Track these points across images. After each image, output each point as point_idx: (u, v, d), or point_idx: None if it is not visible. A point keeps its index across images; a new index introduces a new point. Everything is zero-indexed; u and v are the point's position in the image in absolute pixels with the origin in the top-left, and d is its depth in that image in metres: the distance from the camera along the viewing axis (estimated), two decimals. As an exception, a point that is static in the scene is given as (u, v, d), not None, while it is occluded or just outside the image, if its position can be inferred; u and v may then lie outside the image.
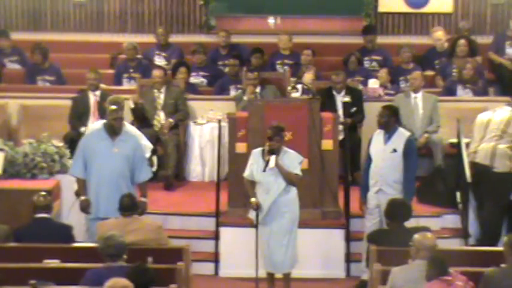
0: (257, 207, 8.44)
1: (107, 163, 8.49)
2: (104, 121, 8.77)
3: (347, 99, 10.97)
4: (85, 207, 8.53)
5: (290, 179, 8.46)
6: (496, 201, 9.26)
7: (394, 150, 8.82)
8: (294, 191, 8.54)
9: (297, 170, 8.50)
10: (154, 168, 9.18)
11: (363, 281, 8.93)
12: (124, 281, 6.21)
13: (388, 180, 8.82)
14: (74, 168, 8.68)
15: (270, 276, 8.71)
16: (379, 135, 8.95)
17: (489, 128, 9.29)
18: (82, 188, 8.58)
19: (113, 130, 8.53)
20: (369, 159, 8.97)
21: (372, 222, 8.92)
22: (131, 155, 8.56)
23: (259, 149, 8.57)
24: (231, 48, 12.84)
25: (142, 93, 11.33)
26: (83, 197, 8.54)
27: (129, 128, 8.97)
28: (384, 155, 8.84)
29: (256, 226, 8.55)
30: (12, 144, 9.91)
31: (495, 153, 9.22)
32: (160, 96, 11.26)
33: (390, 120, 8.88)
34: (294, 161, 8.50)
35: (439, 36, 12.70)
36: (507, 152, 9.21)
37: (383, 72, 11.90)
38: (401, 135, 8.90)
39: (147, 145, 9.14)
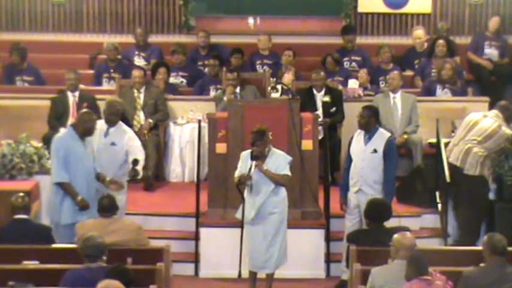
0: (248, 179, 8.37)
1: (84, 165, 8.52)
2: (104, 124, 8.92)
3: (326, 99, 11.00)
4: (86, 205, 8.43)
5: (277, 182, 8.47)
6: (471, 202, 9.26)
7: (375, 151, 8.84)
8: (283, 192, 8.57)
9: (285, 171, 8.50)
10: (140, 177, 9.18)
11: (342, 281, 8.95)
12: (117, 283, 6.18)
13: (368, 181, 8.84)
14: (60, 173, 8.51)
15: (253, 276, 8.71)
16: (359, 136, 8.97)
17: (473, 131, 9.24)
18: (73, 189, 8.45)
19: (90, 133, 8.57)
20: (349, 159, 8.99)
21: (351, 222, 8.94)
22: (93, 154, 8.68)
23: (248, 151, 8.57)
24: (210, 48, 12.83)
25: (121, 94, 11.29)
26: (79, 197, 8.44)
27: (125, 127, 9.16)
28: (364, 155, 8.86)
29: (241, 225, 8.57)
30: (-10, 145, 9.85)
31: (468, 156, 9.21)
32: (140, 97, 11.24)
33: (370, 120, 8.90)
34: (281, 162, 8.51)
35: (419, 35, 12.74)
36: (480, 156, 9.18)
37: (363, 73, 11.92)
38: (382, 135, 8.93)
39: (138, 146, 9.12)
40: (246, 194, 8.54)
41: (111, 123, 9.10)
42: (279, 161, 8.51)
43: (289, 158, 8.63)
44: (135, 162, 8.81)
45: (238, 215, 8.65)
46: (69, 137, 8.58)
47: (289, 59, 12.22)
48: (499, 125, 9.19)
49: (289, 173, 8.55)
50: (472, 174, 9.18)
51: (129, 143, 9.02)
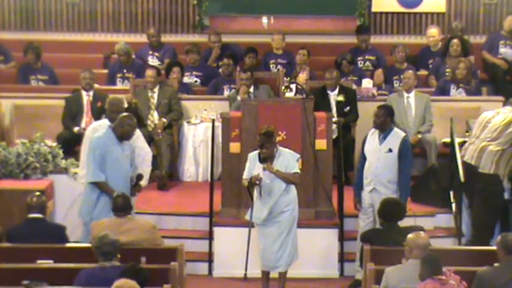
0: (258, 180, 8.38)
1: (121, 167, 8.57)
2: (107, 124, 8.80)
3: (340, 98, 10.99)
4: (125, 201, 8.44)
5: (289, 181, 8.48)
6: (485, 201, 9.23)
7: (390, 150, 8.84)
8: (293, 190, 8.57)
9: (295, 169, 8.51)
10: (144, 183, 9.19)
11: (356, 281, 8.94)
12: (132, 283, 6.21)
13: (383, 180, 8.83)
14: (95, 173, 8.52)
15: (265, 276, 8.72)
16: (373, 135, 8.96)
17: (487, 128, 9.23)
18: (109, 187, 8.47)
19: (127, 136, 8.59)
20: (363, 159, 8.98)
21: (365, 222, 8.93)
22: (131, 157, 8.71)
23: (255, 152, 8.57)
24: (224, 48, 12.82)
25: (135, 93, 11.31)
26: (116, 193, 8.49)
27: None
28: (379, 154, 8.85)
29: (249, 225, 8.57)
30: (5, 144, 9.89)
31: (483, 153, 9.19)
32: (154, 96, 11.25)
33: (386, 120, 8.89)
34: (290, 161, 8.51)
35: (432, 33, 12.71)
36: (495, 153, 9.16)
37: (378, 73, 11.90)
38: (397, 135, 8.92)
39: (145, 148, 9.14)
40: (255, 195, 8.54)
41: (114, 120, 9.08)
42: (287, 160, 8.52)
43: (297, 156, 8.63)
44: (139, 177, 8.77)
45: (248, 217, 8.65)
46: (107, 138, 8.59)
47: (303, 58, 12.20)
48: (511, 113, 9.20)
49: (299, 171, 8.56)
50: (486, 173, 9.16)
51: (136, 143, 9.05)
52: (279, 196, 8.47)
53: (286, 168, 8.47)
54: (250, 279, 8.95)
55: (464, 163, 9.34)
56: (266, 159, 8.44)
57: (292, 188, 8.56)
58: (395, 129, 9.05)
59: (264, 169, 8.42)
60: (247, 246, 8.72)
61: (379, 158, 8.86)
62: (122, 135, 8.59)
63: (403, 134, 9.02)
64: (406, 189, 8.92)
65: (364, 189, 8.94)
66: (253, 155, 8.59)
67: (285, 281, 8.68)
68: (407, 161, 8.90)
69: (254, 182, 8.41)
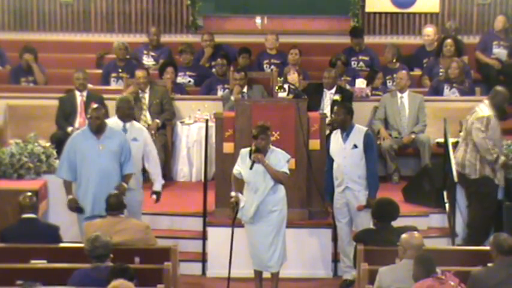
0: (236, 204, 8.47)
1: (95, 161, 8.55)
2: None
3: (337, 97, 11.00)
4: (73, 206, 8.57)
5: (277, 178, 8.48)
6: (478, 202, 9.27)
7: (355, 146, 8.87)
8: (282, 191, 8.57)
9: (284, 169, 8.52)
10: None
11: (345, 281, 8.97)
12: (128, 283, 6.20)
13: (353, 176, 8.84)
14: (59, 170, 8.78)
15: (258, 275, 8.72)
16: (336, 135, 9.00)
17: (464, 129, 9.37)
18: (68, 188, 8.66)
19: (97, 129, 8.62)
20: (330, 161, 8.99)
21: (343, 222, 8.95)
22: (118, 151, 8.66)
23: (247, 149, 8.59)
24: (217, 48, 12.82)
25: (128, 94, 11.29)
26: (70, 196, 8.58)
27: (138, 125, 9.25)
28: (344, 152, 8.87)
29: (232, 224, 8.61)
30: (-2, 145, 9.89)
31: (464, 161, 9.26)
32: (145, 97, 11.23)
33: (346, 117, 8.93)
34: (281, 159, 8.52)
35: (428, 32, 12.73)
36: (474, 158, 9.20)
37: (379, 76, 11.87)
38: (359, 130, 8.96)
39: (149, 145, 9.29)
40: (244, 192, 8.55)
41: (128, 118, 9.12)
42: (278, 158, 8.53)
43: (288, 157, 8.64)
44: (157, 194, 9.19)
45: (239, 216, 8.66)
46: (81, 134, 8.70)
47: (295, 58, 12.20)
48: (471, 122, 9.21)
49: (287, 171, 8.57)
50: (474, 178, 9.21)
51: (146, 148, 9.16)
52: (266, 195, 8.47)
53: (275, 167, 8.48)
54: (244, 279, 8.94)
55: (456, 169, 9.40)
56: (260, 150, 8.44)
57: (281, 188, 8.56)
58: (357, 125, 9.07)
59: (256, 158, 8.40)
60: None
61: (345, 156, 8.87)
62: (92, 128, 8.64)
63: (365, 129, 9.08)
64: (375, 182, 8.93)
65: (335, 190, 8.94)
66: (244, 151, 8.61)
67: (277, 281, 8.68)
68: (372, 155, 8.94)
69: (233, 202, 8.47)
